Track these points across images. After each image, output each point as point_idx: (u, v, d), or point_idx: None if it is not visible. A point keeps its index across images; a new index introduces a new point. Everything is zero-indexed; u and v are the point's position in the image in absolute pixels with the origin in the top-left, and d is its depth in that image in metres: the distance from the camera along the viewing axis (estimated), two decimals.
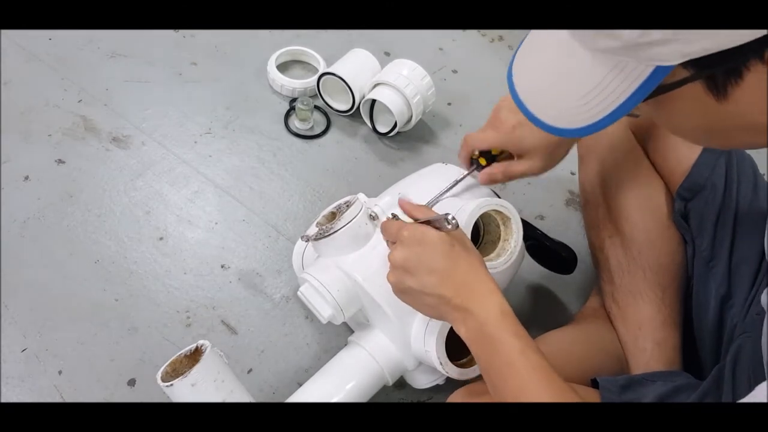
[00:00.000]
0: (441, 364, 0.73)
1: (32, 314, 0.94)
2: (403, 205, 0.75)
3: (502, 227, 0.80)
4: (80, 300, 0.96)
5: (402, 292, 0.68)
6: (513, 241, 0.79)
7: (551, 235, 0.98)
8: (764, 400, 0.45)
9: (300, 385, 0.91)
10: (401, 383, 0.91)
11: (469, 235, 0.75)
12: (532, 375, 0.60)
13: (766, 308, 0.66)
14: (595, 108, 0.51)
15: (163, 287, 0.99)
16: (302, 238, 0.83)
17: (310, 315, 0.99)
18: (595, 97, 0.51)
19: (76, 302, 0.96)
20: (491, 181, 0.85)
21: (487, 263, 0.77)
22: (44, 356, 0.90)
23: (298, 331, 0.97)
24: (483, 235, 0.83)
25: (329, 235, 0.77)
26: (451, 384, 0.82)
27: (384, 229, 0.72)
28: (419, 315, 0.77)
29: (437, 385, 0.85)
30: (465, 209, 0.76)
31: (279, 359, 0.94)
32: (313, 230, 0.82)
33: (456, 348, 0.75)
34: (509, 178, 0.84)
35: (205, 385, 0.70)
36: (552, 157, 0.83)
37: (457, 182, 0.85)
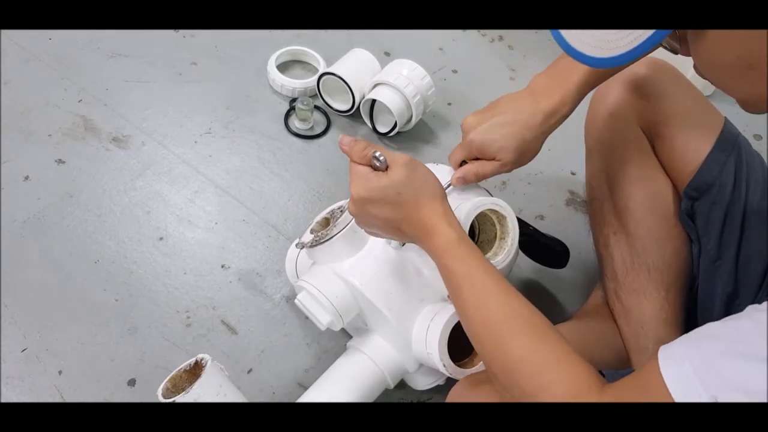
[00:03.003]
0: (444, 365, 0.73)
1: (32, 314, 0.94)
2: (342, 145, 0.70)
3: (498, 226, 0.80)
4: (80, 300, 0.96)
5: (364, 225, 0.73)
6: (510, 239, 0.79)
7: (551, 233, 0.98)
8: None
9: (300, 385, 0.92)
10: (401, 383, 0.90)
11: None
12: (480, 295, 0.63)
13: None
14: (635, 32, 0.49)
15: (163, 287, 0.99)
16: (296, 245, 0.83)
17: None
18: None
19: (76, 302, 0.96)
20: (464, 182, 0.84)
21: None
22: (44, 356, 0.90)
23: (298, 331, 0.97)
24: (478, 234, 0.83)
25: (325, 241, 0.77)
26: (452, 384, 0.82)
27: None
28: (419, 318, 0.77)
29: (437, 385, 0.85)
30: (461, 210, 0.76)
31: (279, 359, 0.94)
32: (307, 237, 0.82)
33: (457, 348, 0.75)
34: (481, 178, 0.83)
35: (208, 399, 0.69)
36: (522, 154, 0.81)
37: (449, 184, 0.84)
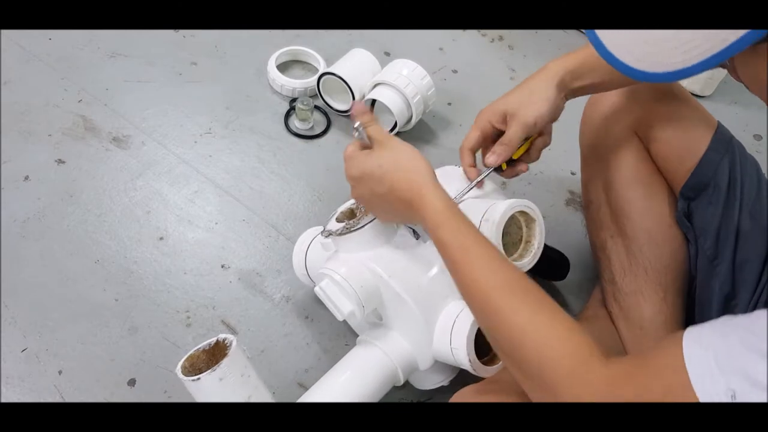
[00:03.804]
0: (470, 361, 0.73)
1: (32, 314, 0.94)
2: (354, 109, 0.73)
3: (524, 228, 0.80)
4: (80, 300, 0.96)
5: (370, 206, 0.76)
6: (536, 243, 0.79)
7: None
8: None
9: (300, 385, 0.92)
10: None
11: (501, 236, 0.75)
12: (474, 266, 0.63)
13: None
14: (693, 50, 0.46)
15: (163, 287, 0.99)
16: (322, 233, 0.82)
17: (310, 315, 0.99)
18: (699, 37, 0.45)
19: (76, 302, 0.96)
20: (498, 159, 0.83)
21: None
22: (44, 356, 0.90)
23: (298, 331, 0.97)
24: (503, 236, 0.83)
25: (356, 229, 0.77)
26: (454, 385, 0.82)
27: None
28: (443, 313, 0.77)
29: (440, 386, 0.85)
30: (496, 210, 0.76)
31: (279, 359, 0.94)
32: (334, 225, 0.81)
33: (480, 346, 0.74)
34: (511, 145, 0.83)
35: (233, 380, 0.68)
36: (541, 113, 0.81)
37: (478, 182, 0.84)
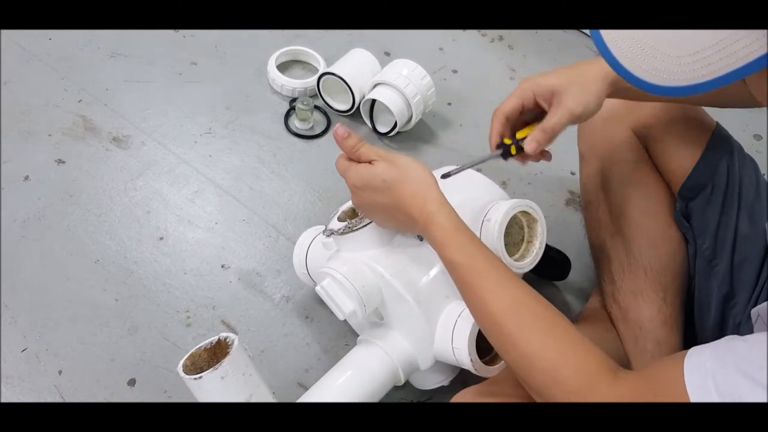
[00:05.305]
0: (472, 361, 0.73)
1: (32, 314, 0.94)
2: (336, 135, 0.70)
3: (526, 229, 0.80)
4: (80, 300, 0.96)
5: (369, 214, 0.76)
6: (538, 243, 0.79)
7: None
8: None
9: (300, 385, 0.92)
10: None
11: (503, 235, 0.75)
12: (483, 287, 0.63)
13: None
14: (707, 67, 0.45)
15: (163, 287, 0.99)
16: (324, 232, 0.82)
17: (310, 315, 0.99)
18: (713, 54, 0.45)
19: (76, 302, 0.96)
20: (538, 146, 0.75)
21: (515, 264, 0.77)
22: (44, 356, 0.90)
23: (298, 331, 0.97)
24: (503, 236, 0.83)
25: (358, 228, 0.77)
26: (454, 386, 0.82)
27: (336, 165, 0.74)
28: (444, 312, 0.77)
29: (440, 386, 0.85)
30: (498, 210, 0.76)
31: (279, 359, 0.94)
32: (335, 224, 0.82)
33: (482, 346, 0.74)
34: (553, 134, 0.75)
35: (234, 378, 0.68)
36: (587, 105, 0.74)
37: (483, 161, 0.79)
